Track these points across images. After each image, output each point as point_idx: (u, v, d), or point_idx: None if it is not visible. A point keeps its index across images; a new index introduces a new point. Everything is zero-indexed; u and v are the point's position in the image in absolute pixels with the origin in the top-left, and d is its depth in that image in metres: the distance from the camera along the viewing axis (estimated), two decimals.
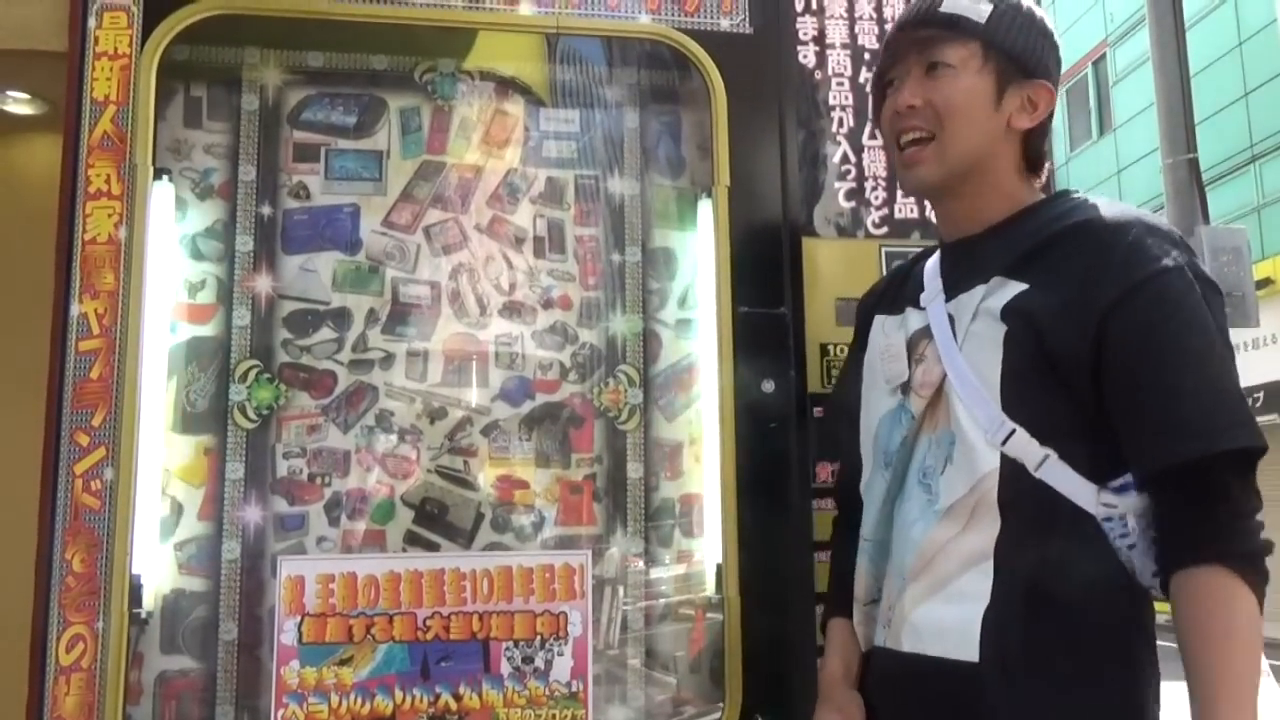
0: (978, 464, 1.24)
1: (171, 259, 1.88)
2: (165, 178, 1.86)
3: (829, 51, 2.02)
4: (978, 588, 1.22)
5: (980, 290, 1.29)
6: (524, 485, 1.99)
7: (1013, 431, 1.22)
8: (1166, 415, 1.17)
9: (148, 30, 1.81)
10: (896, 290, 1.49)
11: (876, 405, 1.43)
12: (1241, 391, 1.21)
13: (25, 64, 2.03)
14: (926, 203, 1.81)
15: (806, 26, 2.02)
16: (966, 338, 1.28)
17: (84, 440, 1.71)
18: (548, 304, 2.05)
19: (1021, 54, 1.34)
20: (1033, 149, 1.37)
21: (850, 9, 2.04)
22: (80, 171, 1.77)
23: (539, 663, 1.77)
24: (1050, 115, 1.38)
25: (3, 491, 2.19)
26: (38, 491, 1.72)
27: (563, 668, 1.77)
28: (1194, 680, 1.12)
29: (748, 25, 1.99)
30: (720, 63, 1.95)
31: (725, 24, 1.98)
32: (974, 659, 1.21)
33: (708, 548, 1.94)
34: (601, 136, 2.11)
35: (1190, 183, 5.03)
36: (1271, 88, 11.65)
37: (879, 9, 2.06)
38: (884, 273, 1.87)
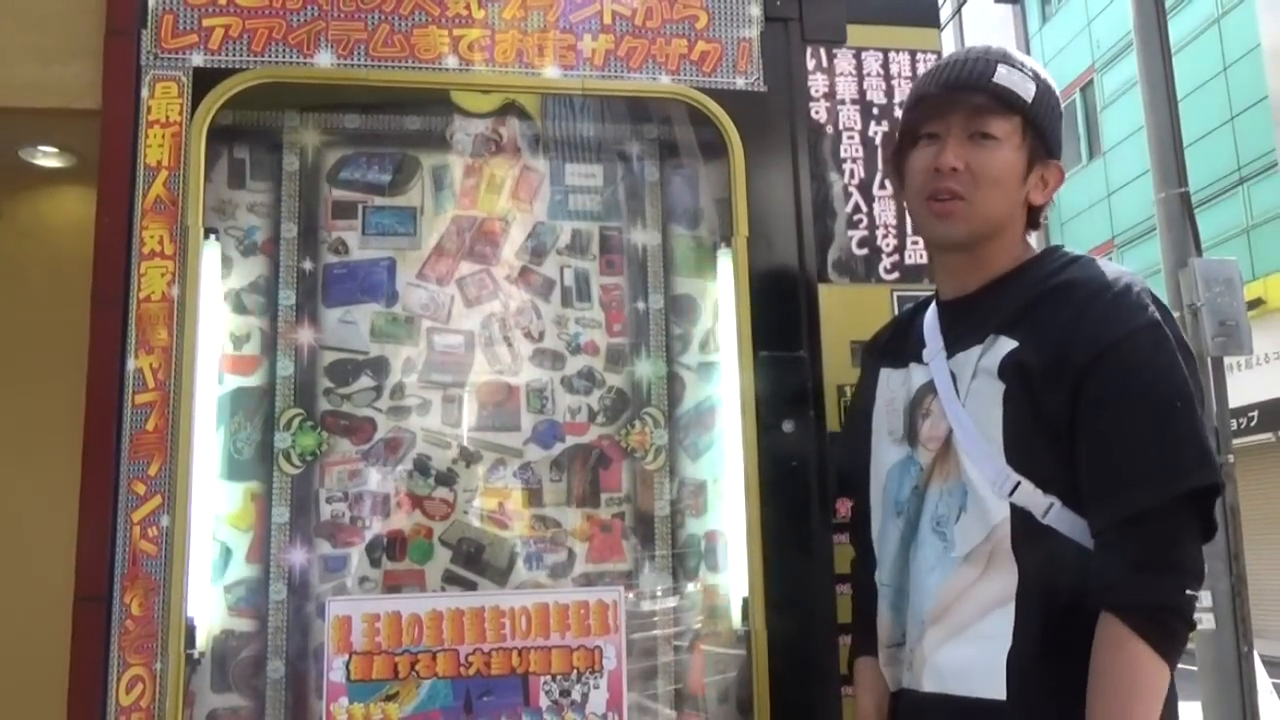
0: (990, 513, 1.32)
1: (218, 314, 1.98)
2: (213, 237, 1.96)
3: (839, 107, 2.13)
4: (999, 629, 1.30)
5: (977, 350, 1.38)
6: (556, 524, 2.08)
7: (1018, 484, 1.31)
8: (1112, 469, 1.26)
9: (196, 98, 1.91)
10: (899, 344, 1.58)
11: (884, 456, 1.51)
12: (1203, 439, 1.27)
13: (56, 120, 2.12)
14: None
15: (818, 84, 2.13)
16: (969, 395, 1.37)
17: (140, 489, 1.80)
18: (576, 350, 2.14)
19: (1051, 135, 1.44)
20: (1036, 217, 1.48)
21: (859, 67, 2.15)
22: (135, 233, 1.86)
23: (576, 695, 1.85)
24: None
25: (36, 533, 2.27)
26: (71, 532, 1.79)
27: (599, 700, 1.85)
28: None
29: (762, 84, 2.10)
30: (737, 119, 2.06)
31: (741, 83, 2.09)
32: (1001, 697, 1.28)
33: (733, 582, 2.02)
34: (624, 190, 2.21)
35: (1182, 216, 5.16)
36: (1258, 111, 11.83)
37: (885, 66, 2.17)
38: (896, 314, 1.96)
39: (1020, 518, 1.31)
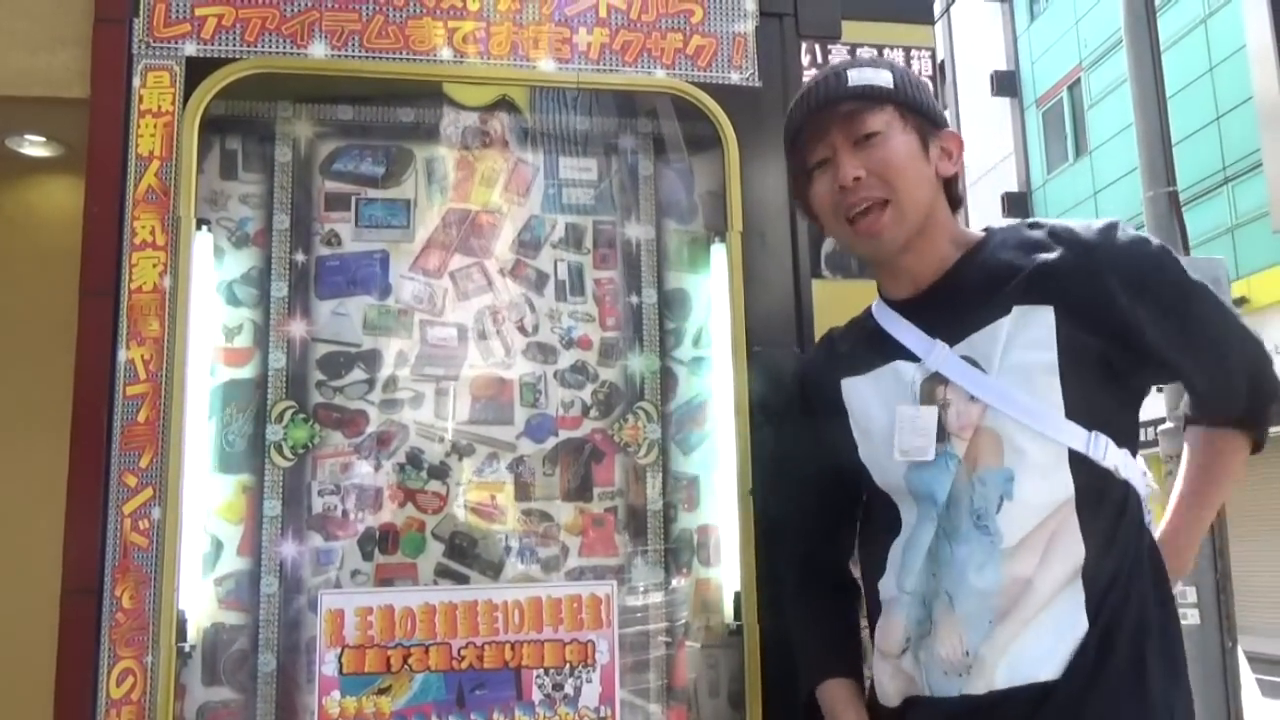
0: (1048, 491, 1.31)
1: (210, 305, 1.97)
2: (205, 228, 1.95)
3: None
4: (1073, 612, 1.29)
5: (1004, 323, 1.34)
6: (548, 518, 2.08)
7: (1106, 444, 1.33)
8: (1224, 338, 1.44)
9: (189, 88, 1.90)
10: (857, 352, 1.52)
11: (891, 465, 1.43)
12: None
13: (44, 109, 2.11)
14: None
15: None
16: (1003, 369, 1.34)
17: (132, 481, 1.79)
18: (569, 344, 2.14)
19: (928, 109, 1.45)
20: (954, 192, 1.49)
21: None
22: (126, 223, 1.85)
23: (569, 689, 1.85)
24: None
25: (24, 523, 2.26)
26: (59, 523, 1.78)
27: (591, 694, 1.86)
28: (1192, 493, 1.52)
29: (757, 79, 2.10)
30: (731, 114, 2.06)
31: (736, 78, 2.09)
32: (1084, 675, 1.28)
33: (725, 576, 2.03)
34: (617, 184, 2.21)
35: (1170, 215, 5.19)
36: (1243, 111, 11.90)
37: None
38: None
39: (1089, 482, 1.31)
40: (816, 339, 1.99)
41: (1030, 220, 1.46)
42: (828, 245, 2.09)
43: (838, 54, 2.16)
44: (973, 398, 1.35)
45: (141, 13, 1.91)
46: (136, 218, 1.86)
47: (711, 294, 2.13)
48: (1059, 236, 1.38)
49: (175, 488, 1.79)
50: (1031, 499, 1.31)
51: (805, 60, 2.13)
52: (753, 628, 1.91)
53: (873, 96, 1.41)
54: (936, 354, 1.40)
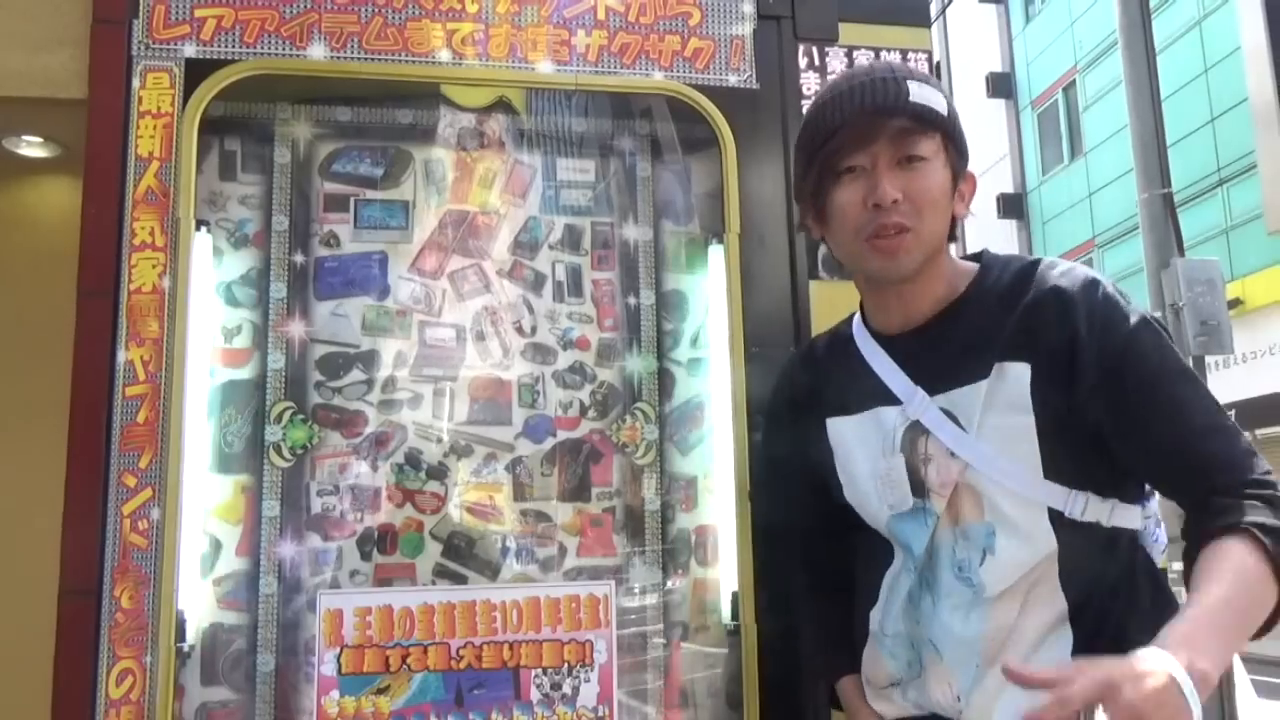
0: (1030, 548, 1.29)
1: (209, 306, 1.97)
2: (204, 229, 1.95)
3: None
4: (1061, 650, 1.28)
5: (982, 385, 1.32)
6: (547, 518, 2.08)
7: (1088, 500, 1.28)
8: (1199, 454, 1.25)
9: (188, 89, 1.90)
10: (842, 388, 1.47)
11: (875, 511, 1.42)
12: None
13: (41, 110, 2.10)
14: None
15: (810, 82, 2.14)
16: (982, 429, 1.31)
17: (131, 481, 1.79)
18: (567, 345, 2.15)
19: (964, 147, 1.38)
20: (954, 229, 1.42)
21: (850, 65, 2.16)
22: (126, 224, 1.85)
23: (567, 689, 1.86)
24: None
25: (22, 526, 2.26)
26: (57, 522, 1.78)
27: (589, 694, 1.86)
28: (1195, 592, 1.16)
29: (754, 81, 2.11)
30: (729, 116, 2.07)
31: (733, 80, 2.10)
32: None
33: (723, 576, 2.03)
34: (615, 185, 2.22)
35: (1165, 216, 5.21)
36: (1238, 113, 11.94)
37: None
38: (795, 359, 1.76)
39: (1072, 537, 1.29)
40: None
41: (1021, 263, 1.39)
42: (825, 247, 2.10)
43: (835, 57, 2.17)
44: (953, 454, 1.33)
45: (141, 14, 1.91)
46: (136, 219, 1.86)
47: (709, 295, 2.14)
48: (1043, 293, 1.32)
49: (174, 488, 1.79)
50: (1014, 555, 1.30)
51: (803, 63, 2.14)
52: (750, 628, 1.92)
53: (930, 120, 1.32)
54: (918, 402, 1.36)
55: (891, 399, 1.40)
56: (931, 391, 1.36)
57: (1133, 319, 1.29)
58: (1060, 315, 1.30)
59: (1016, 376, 1.30)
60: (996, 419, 1.31)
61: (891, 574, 1.43)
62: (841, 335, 1.52)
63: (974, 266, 1.43)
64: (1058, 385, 1.28)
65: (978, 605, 1.32)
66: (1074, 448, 1.29)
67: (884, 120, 1.31)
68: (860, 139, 1.32)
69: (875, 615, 1.44)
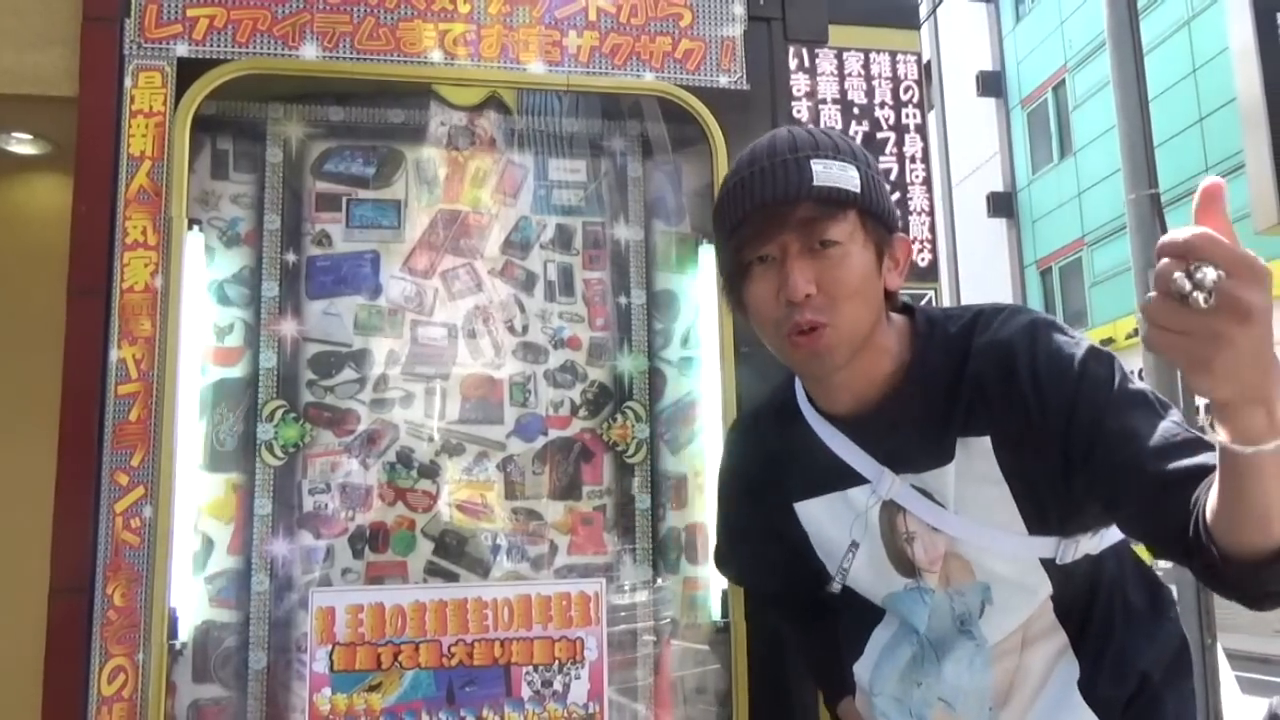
0: (1027, 598, 1.29)
1: (201, 305, 1.98)
2: (196, 228, 1.96)
3: (821, 106, 2.16)
4: (1068, 679, 1.28)
5: (950, 467, 1.26)
6: (538, 517, 2.09)
7: (1075, 543, 1.27)
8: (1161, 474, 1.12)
9: (181, 89, 1.91)
10: (804, 467, 1.39)
11: (865, 582, 1.39)
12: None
13: (31, 107, 2.10)
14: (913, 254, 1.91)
15: (799, 83, 2.16)
16: (959, 502, 1.28)
17: (123, 480, 1.80)
18: (558, 344, 2.16)
19: (887, 214, 1.26)
20: (893, 298, 1.31)
21: (840, 67, 2.18)
22: (118, 223, 1.86)
23: (558, 686, 1.87)
24: None
25: (10, 516, 2.26)
26: (48, 518, 1.78)
27: (580, 691, 1.88)
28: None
29: (745, 82, 2.12)
30: (720, 117, 2.08)
31: (724, 81, 2.11)
32: None
33: (713, 575, 2.05)
34: (607, 185, 2.23)
35: (1153, 216, 5.23)
36: (1226, 113, 12.00)
37: (866, 66, 2.20)
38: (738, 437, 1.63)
39: (1066, 576, 1.29)
40: None
41: (959, 324, 1.29)
42: None
43: (825, 59, 2.18)
44: (935, 529, 1.30)
45: (133, 13, 1.92)
46: (128, 217, 1.86)
47: (700, 295, 2.15)
48: (985, 361, 1.24)
49: (166, 486, 1.80)
50: (1011, 605, 1.30)
51: (793, 64, 2.16)
52: (739, 625, 1.93)
53: (840, 200, 1.20)
54: (887, 483, 1.31)
55: (858, 478, 1.33)
56: (898, 472, 1.30)
57: (1077, 360, 1.21)
58: (1003, 379, 1.23)
59: (981, 451, 1.24)
60: (972, 491, 1.27)
61: (882, 633, 1.40)
62: (788, 410, 1.41)
63: (907, 326, 1.33)
64: (1022, 448, 1.23)
65: (980, 654, 1.31)
66: (1054, 499, 1.25)
67: (788, 210, 1.20)
68: (764, 232, 1.21)
69: (862, 671, 1.41)
